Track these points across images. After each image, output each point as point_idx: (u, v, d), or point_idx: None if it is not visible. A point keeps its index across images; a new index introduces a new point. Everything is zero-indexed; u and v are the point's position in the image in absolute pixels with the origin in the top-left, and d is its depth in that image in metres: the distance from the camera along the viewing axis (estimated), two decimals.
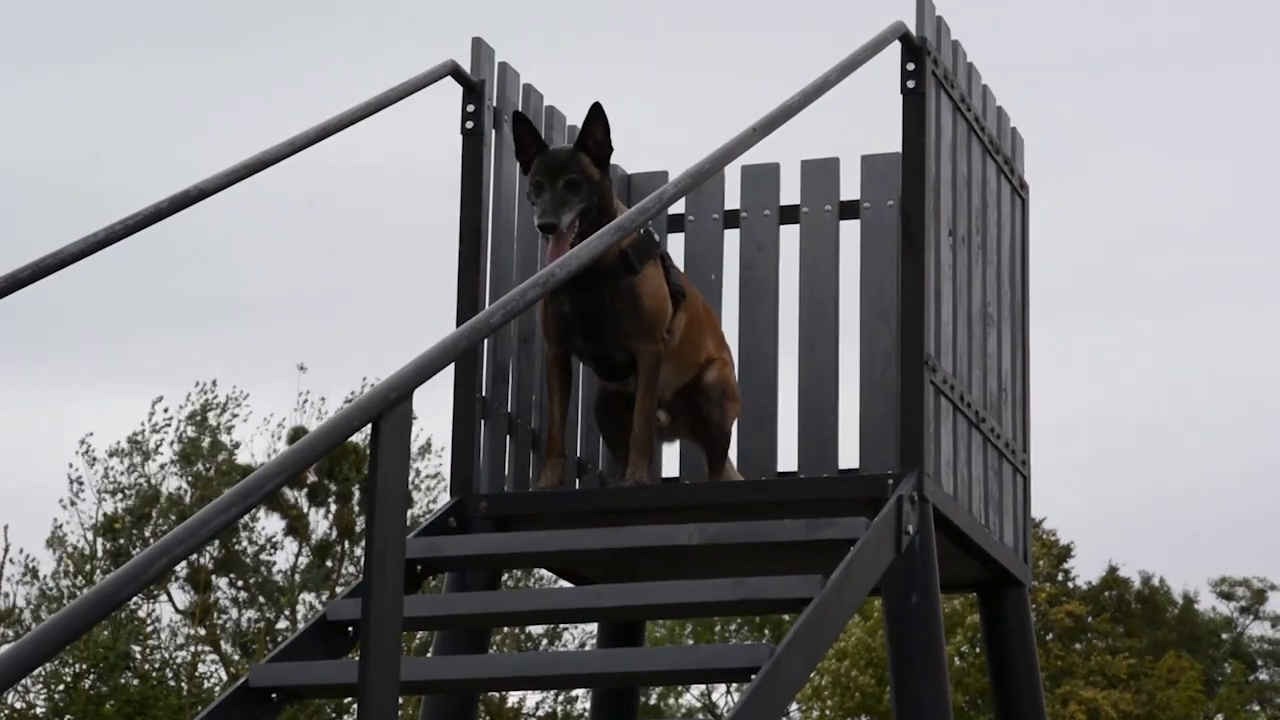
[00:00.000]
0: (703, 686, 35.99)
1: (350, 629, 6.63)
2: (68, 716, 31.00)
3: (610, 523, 7.35)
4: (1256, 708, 61.67)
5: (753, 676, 5.95)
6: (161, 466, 40.22)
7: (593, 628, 8.56)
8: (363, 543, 9.50)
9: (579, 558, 7.54)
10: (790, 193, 8.01)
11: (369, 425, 4.60)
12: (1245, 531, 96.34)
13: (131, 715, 29.89)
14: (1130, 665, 44.86)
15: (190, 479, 39.35)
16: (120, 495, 39.72)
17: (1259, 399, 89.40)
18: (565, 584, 8.04)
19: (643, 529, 7.18)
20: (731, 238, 8.09)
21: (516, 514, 7.51)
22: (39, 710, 31.52)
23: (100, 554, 38.38)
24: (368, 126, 7.14)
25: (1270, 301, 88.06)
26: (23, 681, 31.91)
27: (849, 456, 7.70)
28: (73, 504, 39.50)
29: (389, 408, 4.58)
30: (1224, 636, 64.34)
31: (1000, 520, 7.92)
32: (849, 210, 7.91)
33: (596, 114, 7.42)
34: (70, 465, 40.27)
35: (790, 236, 7.97)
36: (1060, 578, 45.79)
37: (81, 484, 39.95)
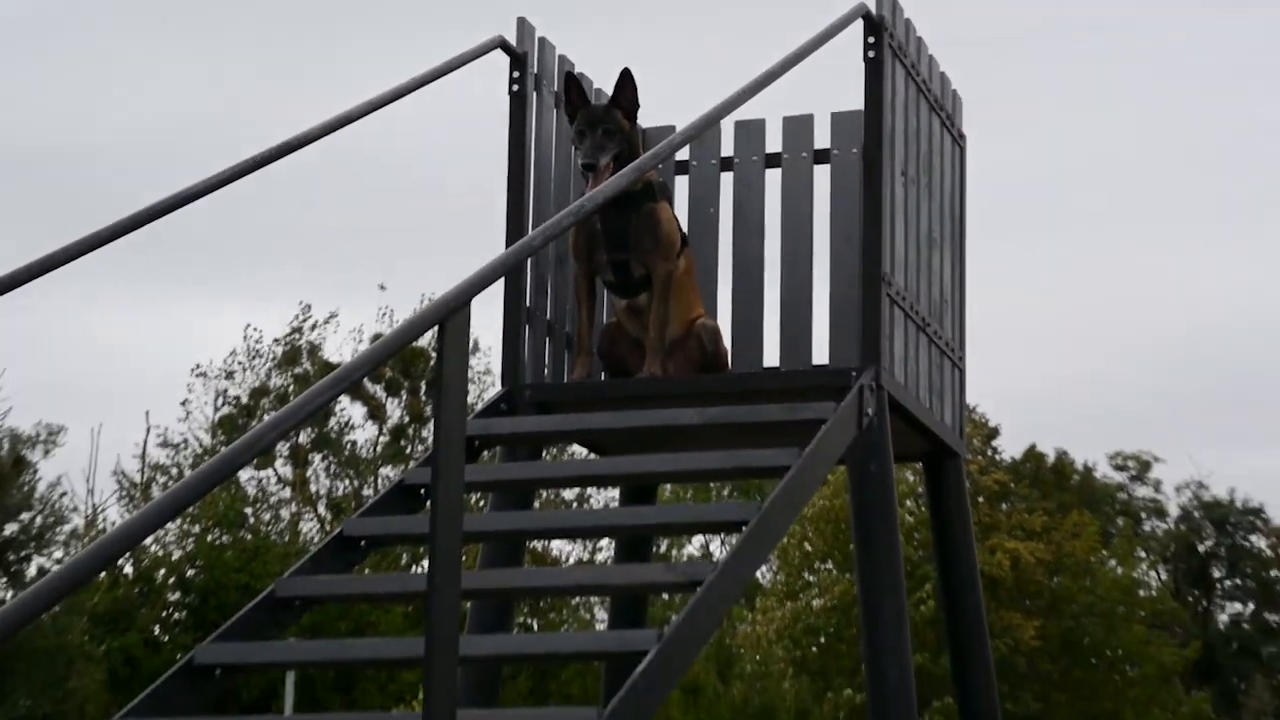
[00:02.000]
0: (703, 537, 35.85)
1: (423, 491, 6.67)
2: (198, 561, 30.97)
3: (629, 407, 7.43)
4: (1141, 554, 61.73)
5: (743, 528, 6.00)
6: (269, 369, 40.34)
7: (615, 491, 8.55)
8: (431, 425, 9.47)
9: (604, 435, 7.63)
10: (774, 142, 8.00)
11: (436, 327, 4.63)
12: (1135, 416, 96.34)
13: (247, 562, 29.86)
14: (1043, 521, 44.82)
15: (291, 377, 39.37)
16: (236, 398, 39.93)
17: (1148, 312, 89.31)
18: (593, 456, 8.05)
19: (654, 412, 7.26)
20: (726, 179, 8.08)
21: (554, 400, 7.59)
22: (175, 557, 31.53)
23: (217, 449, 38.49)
24: (434, 88, 7.18)
25: (1143, 238, 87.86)
26: (160, 534, 31.92)
27: (820, 354, 7.71)
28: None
29: (452, 313, 4.64)
30: (1117, 498, 64.39)
31: (941, 405, 7.95)
32: (821, 157, 7.90)
33: (627, 78, 7.56)
34: (197, 365, 40.48)
35: (774, 178, 7.97)
36: (989, 452, 45.73)
37: (205, 375, 40.20)
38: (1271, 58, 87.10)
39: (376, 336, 39.05)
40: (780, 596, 42.00)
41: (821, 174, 7.88)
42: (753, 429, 7.00)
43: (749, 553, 6.04)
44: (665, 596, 8.35)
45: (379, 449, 39.73)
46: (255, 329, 41.91)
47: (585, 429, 7.53)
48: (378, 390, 39.97)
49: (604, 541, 24.85)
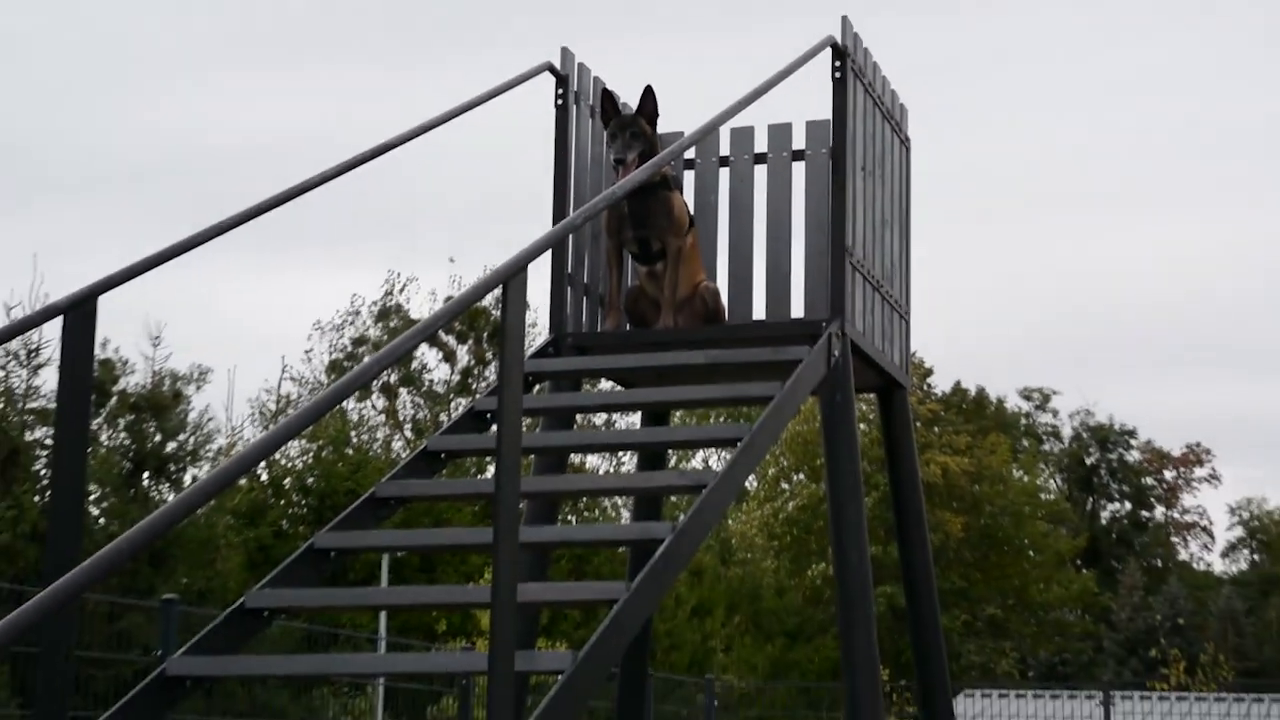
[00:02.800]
0: (706, 451, 35.78)
1: (489, 415, 6.66)
2: (315, 471, 31.02)
3: (648, 351, 7.42)
4: (1042, 466, 61.72)
5: (738, 444, 5.99)
6: (367, 324, 40.55)
7: (637, 416, 8.51)
8: (492, 366, 9.46)
9: (629, 372, 7.63)
10: (761, 144, 7.94)
11: (500, 287, 4.61)
12: (1039, 358, 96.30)
13: (352, 473, 29.90)
14: (967, 441, 44.85)
15: (384, 330, 39.52)
16: (344, 346, 40.19)
17: (1051, 279, 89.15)
18: (620, 388, 8.02)
19: (669, 354, 7.28)
20: (724, 174, 8.02)
21: (590, 345, 7.58)
22: (298, 468, 31.57)
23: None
24: (493, 103, 7.15)
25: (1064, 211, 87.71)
26: (287, 449, 31.93)
27: (797, 309, 7.66)
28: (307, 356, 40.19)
29: (512, 276, 4.66)
30: (1023, 423, 64.41)
31: (891, 348, 7.92)
32: (798, 156, 7.85)
33: (649, 93, 7.57)
34: (317, 321, 40.79)
35: (761, 173, 7.91)
36: (925, 387, 45.71)
37: (322, 329, 40.47)
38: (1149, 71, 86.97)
39: (448, 298, 39.22)
40: (761, 500, 42.16)
41: (798, 170, 7.83)
42: (745, 368, 7.00)
43: (742, 464, 6.06)
44: (675, 498, 8.35)
45: (451, 386, 39.85)
46: (357, 294, 42.81)
47: (614, 368, 7.58)
48: (450, 339, 40.10)
49: (628, 455, 24.72)
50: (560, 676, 4.84)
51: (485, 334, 39.60)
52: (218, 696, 16.98)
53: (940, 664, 8.28)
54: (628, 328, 7.65)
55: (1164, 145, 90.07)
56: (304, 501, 31.41)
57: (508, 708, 4.46)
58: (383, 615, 20.56)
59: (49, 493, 5.65)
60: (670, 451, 8.19)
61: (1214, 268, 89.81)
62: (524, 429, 5.05)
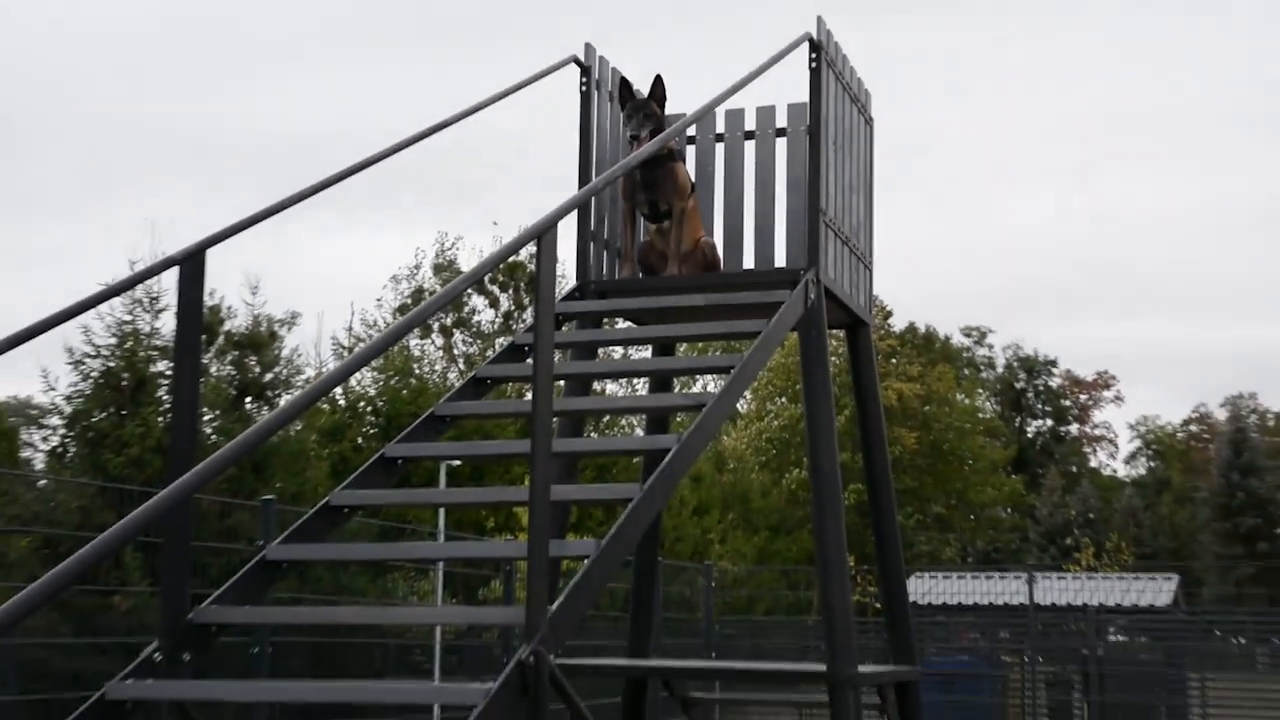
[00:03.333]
0: (704, 377, 35.72)
1: (526, 348, 6.63)
2: (384, 397, 31.03)
3: (658, 295, 7.36)
4: (980, 391, 61.64)
5: (730, 371, 5.96)
6: (426, 275, 40.54)
7: (648, 350, 8.48)
8: (529, 309, 9.40)
9: (642, 313, 7.53)
10: (750, 123, 7.85)
11: (535, 241, 4.58)
12: (978, 301, 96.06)
13: (415, 399, 29.92)
14: (919, 370, 44.88)
15: (440, 280, 39.51)
16: (409, 294, 40.20)
17: (988, 234, 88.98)
18: (634, 326, 7.99)
19: (674, 298, 7.22)
20: (720, 149, 7.94)
21: (609, 290, 7.50)
22: (370, 393, 31.56)
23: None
24: (528, 89, 7.10)
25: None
26: (359, 376, 31.90)
27: (781, 260, 7.60)
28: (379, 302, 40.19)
29: (545, 232, 4.64)
30: (965, 355, 64.35)
31: (857, 293, 7.84)
32: (780, 133, 7.76)
33: (658, 81, 7.49)
34: (394, 274, 40.85)
35: (750, 147, 7.83)
36: (884, 326, 45.70)
37: (395, 279, 40.55)
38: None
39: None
40: (750, 419, 42.20)
41: (780, 144, 7.74)
42: (737, 308, 6.94)
43: (734, 388, 6.03)
44: (680, 416, 8.31)
45: (495, 326, 39.84)
46: (420, 249, 42.97)
47: (629, 309, 7.50)
48: (494, 289, 40.10)
49: (641, 381, 24.67)
50: (586, 561, 4.86)
51: (522, 283, 39.57)
52: (308, 579, 17.10)
53: (896, 552, 8.27)
54: (640, 276, 7.61)
55: (1080, 127, 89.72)
56: (375, 422, 31.45)
57: (543, 587, 4.48)
58: (441, 512, 20.65)
59: (169, 414, 5.64)
60: (675, 378, 8.15)
61: (1121, 227, 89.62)
62: (554, 360, 5.03)
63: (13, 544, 17.81)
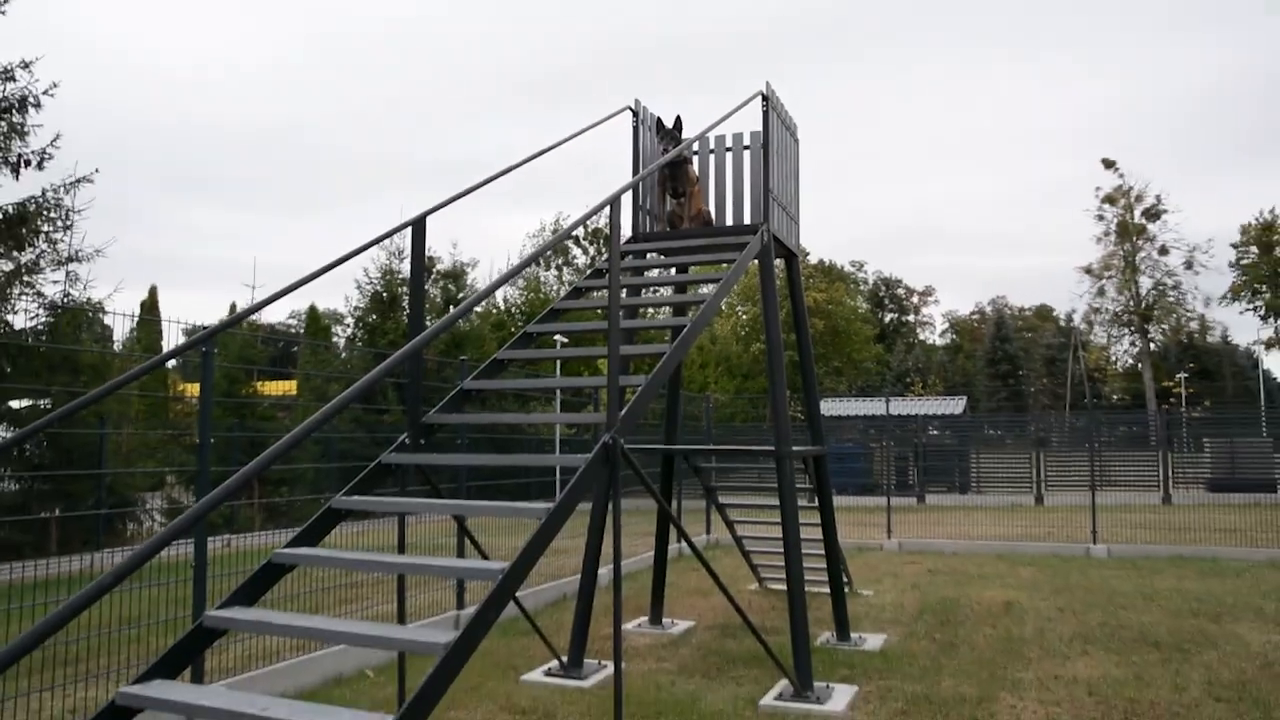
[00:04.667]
0: (706, 286, 35.35)
1: (604, 272, 6.51)
2: (526, 304, 30.96)
3: (678, 239, 7.18)
4: (860, 299, 60.92)
5: (721, 281, 5.84)
6: (537, 240, 40.19)
7: (673, 270, 8.32)
8: (605, 255, 9.25)
9: (668, 250, 7.33)
10: (729, 142, 7.61)
11: (608, 208, 4.44)
12: (859, 243, 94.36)
13: (532, 313, 29.84)
14: (823, 286, 44.31)
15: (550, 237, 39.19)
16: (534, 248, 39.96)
17: (865, 198, 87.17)
18: (663, 257, 7.84)
19: (687, 241, 7.04)
20: (711, 160, 7.72)
21: (650, 238, 7.31)
22: (518, 301, 31.50)
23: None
24: (601, 129, 6.90)
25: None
26: (508, 293, 31.63)
27: (747, 219, 7.42)
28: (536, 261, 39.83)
29: (614, 201, 4.44)
30: (851, 276, 63.38)
31: (790, 237, 7.62)
32: (746, 148, 7.52)
33: (678, 119, 7.26)
34: (525, 238, 40.52)
35: (729, 156, 7.60)
36: (805, 263, 45.08)
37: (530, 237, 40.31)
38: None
39: (586, 228, 39.17)
40: (730, 315, 41.88)
41: (746, 155, 7.51)
42: (724, 246, 6.80)
43: (721, 291, 5.88)
44: (693, 306, 8.15)
45: (585, 265, 39.56)
46: (544, 220, 42.46)
47: (662, 247, 7.28)
48: (586, 243, 39.80)
49: (667, 290, 24.67)
50: (639, 388, 4.82)
51: (601, 240, 39.17)
52: (488, 403, 17.26)
53: (813, 386, 8.19)
54: (668, 230, 7.47)
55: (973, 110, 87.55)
56: (521, 321, 31.39)
57: (617, 401, 4.42)
58: (558, 363, 20.54)
59: (405, 318, 5.59)
60: (688, 286, 8.02)
61: (943, 204, 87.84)
62: (620, 277, 4.91)
63: (331, 389, 17.98)
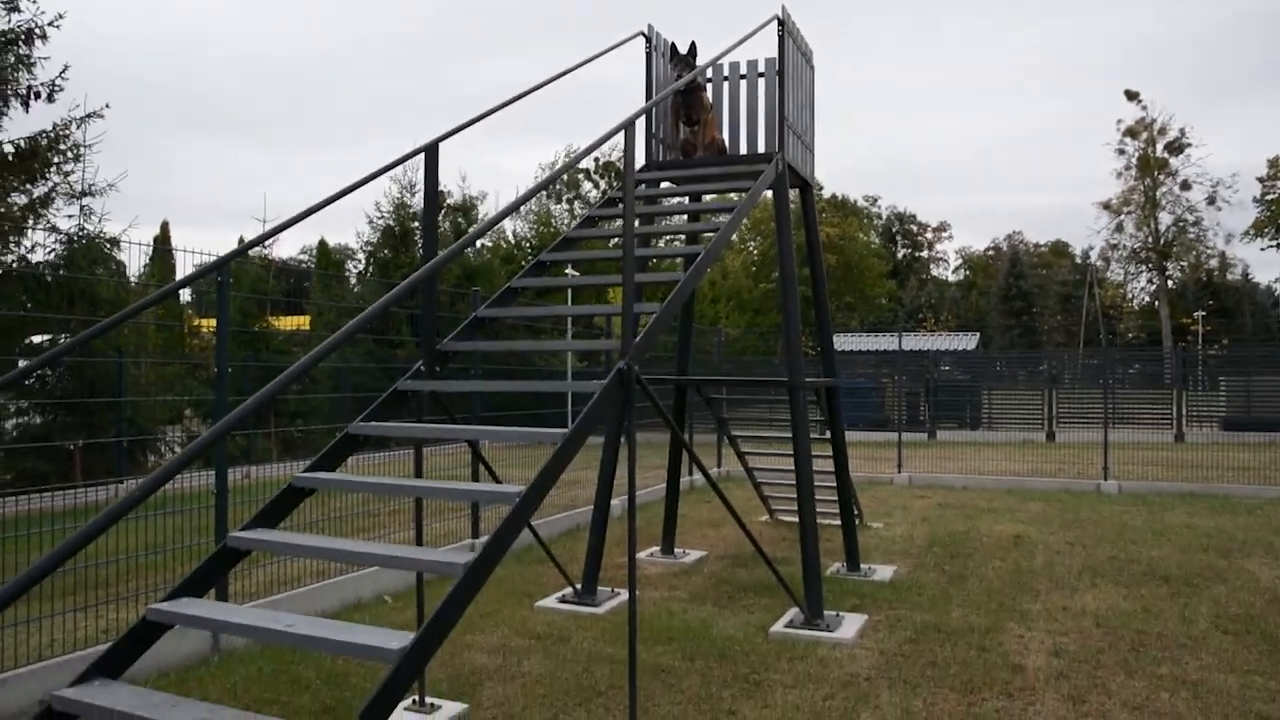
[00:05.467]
0: (720, 216, 35.17)
1: (618, 202, 6.47)
2: (535, 236, 30.78)
3: (692, 168, 7.07)
4: (872, 235, 60.44)
5: (734, 210, 5.79)
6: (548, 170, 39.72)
7: (686, 199, 8.26)
8: (620, 185, 9.18)
9: (681, 178, 7.19)
10: (743, 69, 7.44)
11: (623, 131, 4.39)
12: (870, 176, 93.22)
13: (542, 246, 29.71)
14: (836, 220, 43.91)
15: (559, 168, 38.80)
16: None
17: (874, 132, 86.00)
18: (675, 186, 7.76)
19: (700, 170, 6.90)
20: (725, 87, 7.56)
21: (664, 166, 7.19)
22: (528, 234, 31.29)
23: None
24: (615, 54, 6.78)
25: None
26: (513, 225, 31.43)
27: (762, 148, 7.31)
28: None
29: (629, 126, 4.39)
30: (864, 210, 62.79)
31: (805, 167, 7.53)
32: (761, 75, 7.36)
33: (693, 45, 7.10)
34: (540, 164, 40.05)
35: (744, 84, 7.46)
36: (818, 196, 44.68)
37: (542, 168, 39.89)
38: None
39: (596, 160, 38.68)
40: (740, 250, 41.59)
41: (762, 81, 7.37)
42: (738, 174, 6.71)
43: (734, 221, 5.81)
44: (706, 235, 8.04)
45: (595, 198, 39.25)
46: (556, 151, 41.96)
47: (674, 175, 7.09)
48: (596, 177, 39.38)
49: (680, 218, 24.58)
50: (653, 315, 4.80)
51: (612, 174, 38.73)
52: (500, 334, 17.35)
53: (826, 320, 8.18)
54: (680, 158, 7.38)
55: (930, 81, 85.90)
56: (531, 255, 31.24)
57: (631, 328, 4.41)
58: (569, 292, 20.56)
59: (419, 251, 5.56)
60: (701, 216, 7.96)
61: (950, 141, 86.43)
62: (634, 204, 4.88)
63: (343, 322, 18.19)
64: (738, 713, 4.74)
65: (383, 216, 23.21)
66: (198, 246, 6.42)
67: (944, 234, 71.45)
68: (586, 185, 39.85)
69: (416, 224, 22.57)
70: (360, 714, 2.75)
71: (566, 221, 37.08)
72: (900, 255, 67.95)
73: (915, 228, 70.04)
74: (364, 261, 23.84)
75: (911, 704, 4.87)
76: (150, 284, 17.56)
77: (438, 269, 3.57)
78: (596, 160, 38.77)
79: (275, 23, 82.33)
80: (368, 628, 3.15)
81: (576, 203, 39.51)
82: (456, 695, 4.95)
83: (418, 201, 22.78)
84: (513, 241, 31.82)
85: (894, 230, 68.54)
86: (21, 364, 12.32)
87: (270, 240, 4.26)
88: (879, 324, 46.96)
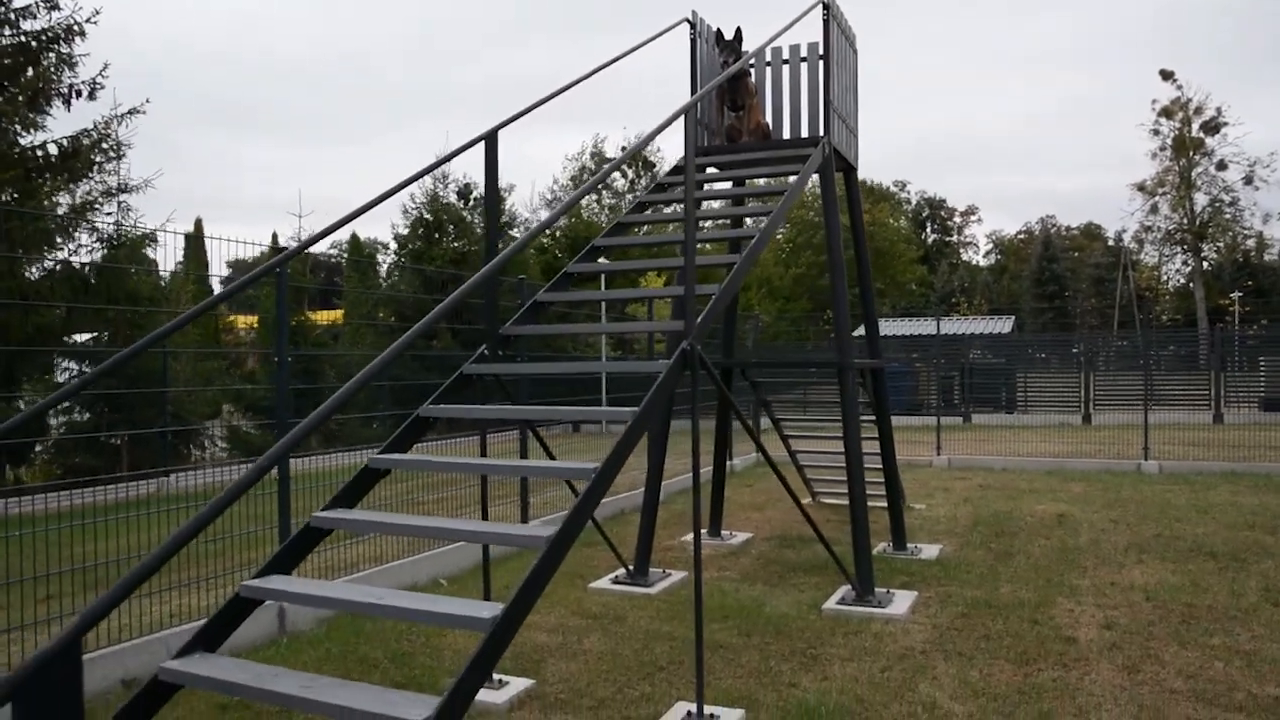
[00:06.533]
0: (768, 201, 35.20)
1: (667, 185, 6.55)
2: (569, 231, 30.87)
3: (738, 152, 7.15)
4: (902, 220, 60.08)
5: (784, 195, 5.87)
6: (587, 156, 39.67)
7: (728, 185, 8.31)
8: (648, 168, 9.16)
9: (727, 163, 7.23)
10: (786, 54, 7.48)
11: (681, 117, 4.48)
12: (901, 163, 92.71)
13: (588, 228, 29.74)
14: (869, 205, 43.76)
15: (594, 161, 38.71)
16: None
17: (909, 119, 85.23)
18: (719, 172, 7.83)
19: (746, 154, 6.98)
20: (768, 72, 7.62)
21: (712, 151, 7.23)
22: (558, 234, 31.34)
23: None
24: (661, 41, 6.85)
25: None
26: (555, 228, 31.54)
27: (805, 132, 7.34)
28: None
29: (687, 113, 4.48)
30: (895, 195, 62.35)
31: (849, 151, 7.54)
32: (805, 59, 7.40)
33: (738, 31, 7.18)
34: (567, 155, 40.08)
35: (788, 70, 7.50)
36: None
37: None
38: None
39: (623, 148, 38.47)
40: (790, 239, 41.54)
41: (805, 66, 7.40)
42: (784, 159, 6.80)
43: (785, 204, 5.84)
44: (749, 221, 8.05)
45: (623, 188, 39.24)
46: (584, 141, 41.97)
47: (722, 160, 7.16)
48: (629, 170, 39.31)
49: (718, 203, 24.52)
50: (713, 296, 4.89)
51: (639, 165, 38.58)
52: (552, 319, 17.55)
53: (871, 304, 8.23)
54: (726, 143, 7.46)
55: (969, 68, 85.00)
56: (562, 243, 31.34)
57: (693, 309, 4.48)
58: (603, 306, 20.67)
59: (482, 230, 5.64)
60: (746, 200, 8.01)
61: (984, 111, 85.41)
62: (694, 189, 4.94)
63: (378, 313, 18.39)
64: (799, 685, 4.86)
65: (418, 208, 23.45)
66: (231, 240, 6.60)
67: (973, 217, 70.95)
68: (614, 175, 39.84)
69: (446, 216, 22.76)
70: (458, 679, 2.90)
71: (595, 211, 37.13)
72: (931, 239, 67.55)
73: (944, 212, 69.59)
74: (395, 253, 24.11)
75: (968, 674, 4.97)
76: (190, 280, 17.85)
77: (506, 260, 3.69)
78: (623, 150, 38.76)
79: (274, 22, 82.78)
80: (456, 599, 3.30)
81: (605, 192, 39.54)
82: (521, 672, 5.10)
83: (452, 195, 23.01)
84: (550, 242, 31.95)
85: (924, 216, 68.08)
86: (60, 364, 12.60)
87: (320, 236, 4.40)
88: (910, 309, 46.80)
